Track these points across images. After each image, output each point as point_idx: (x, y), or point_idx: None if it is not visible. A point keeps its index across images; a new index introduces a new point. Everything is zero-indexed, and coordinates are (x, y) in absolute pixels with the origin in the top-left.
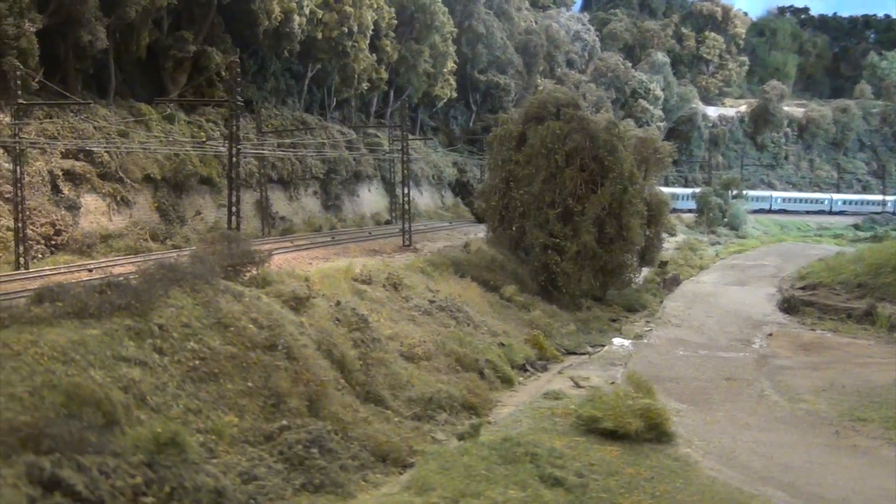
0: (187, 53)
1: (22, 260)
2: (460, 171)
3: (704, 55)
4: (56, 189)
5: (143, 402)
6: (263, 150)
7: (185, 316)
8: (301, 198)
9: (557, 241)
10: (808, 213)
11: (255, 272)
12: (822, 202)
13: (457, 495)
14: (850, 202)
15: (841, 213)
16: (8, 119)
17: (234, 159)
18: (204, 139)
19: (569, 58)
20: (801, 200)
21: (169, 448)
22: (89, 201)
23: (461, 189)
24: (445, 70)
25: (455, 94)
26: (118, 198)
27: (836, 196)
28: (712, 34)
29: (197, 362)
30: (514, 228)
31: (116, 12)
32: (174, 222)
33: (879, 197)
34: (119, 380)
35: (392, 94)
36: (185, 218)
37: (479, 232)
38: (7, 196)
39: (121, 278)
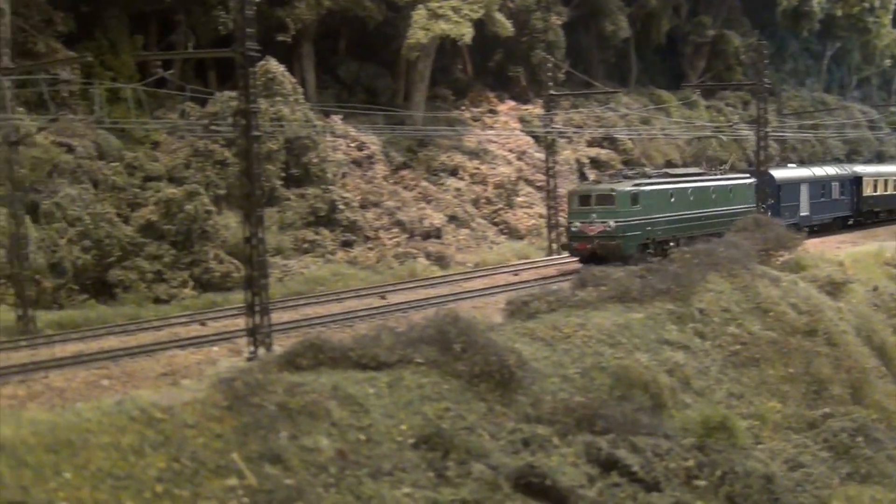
0: (706, 38)
1: (553, 246)
2: None
3: None
4: (583, 176)
5: (687, 385)
6: (784, 132)
7: (724, 300)
8: None
9: None
10: None
11: (788, 256)
12: None
13: None
14: None
15: None
16: (538, 110)
17: (762, 142)
18: (725, 123)
19: None
20: None
21: (718, 432)
22: None
23: None
24: None
25: None
26: None
27: None
28: None
29: (737, 347)
30: None
31: (639, 1)
32: None
33: None
34: (663, 363)
35: None
36: None
37: None
38: (539, 185)
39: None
